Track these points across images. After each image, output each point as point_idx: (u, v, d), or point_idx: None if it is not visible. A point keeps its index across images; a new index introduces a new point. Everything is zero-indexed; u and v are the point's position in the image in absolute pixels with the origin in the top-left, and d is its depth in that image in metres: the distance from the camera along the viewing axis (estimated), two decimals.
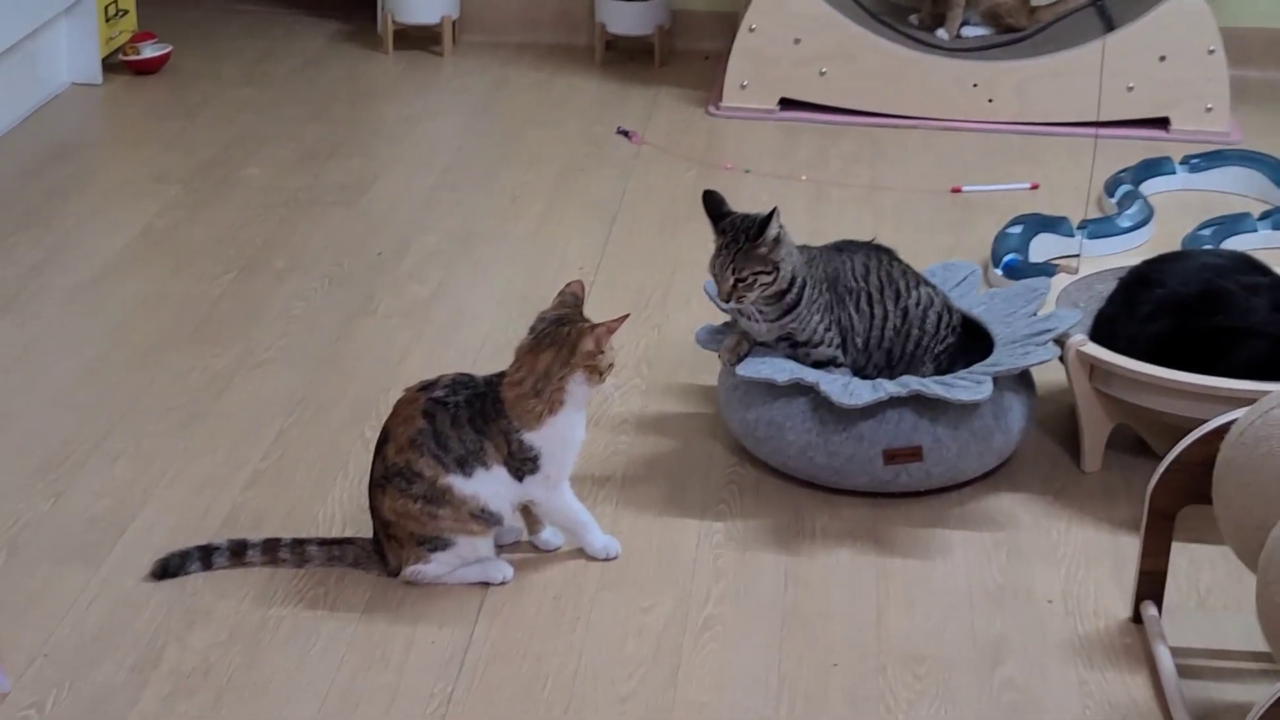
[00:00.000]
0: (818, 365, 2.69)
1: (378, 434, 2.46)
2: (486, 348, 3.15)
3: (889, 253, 2.80)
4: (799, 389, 2.65)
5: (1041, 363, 2.70)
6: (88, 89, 4.45)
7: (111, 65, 4.53)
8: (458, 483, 2.38)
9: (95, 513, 2.61)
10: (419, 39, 4.89)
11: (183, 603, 2.40)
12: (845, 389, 2.61)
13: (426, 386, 2.43)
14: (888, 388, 2.61)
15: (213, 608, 2.39)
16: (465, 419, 2.39)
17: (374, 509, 2.45)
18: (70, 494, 2.66)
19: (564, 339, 2.40)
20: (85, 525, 2.58)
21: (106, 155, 4.18)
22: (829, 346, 2.70)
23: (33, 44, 4.26)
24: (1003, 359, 2.71)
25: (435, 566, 2.42)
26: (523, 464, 2.41)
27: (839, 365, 2.71)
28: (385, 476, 2.41)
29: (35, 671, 2.25)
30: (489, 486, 2.40)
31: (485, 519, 2.41)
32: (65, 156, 4.04)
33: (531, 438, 2.40)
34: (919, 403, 2.63)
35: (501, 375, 2.44)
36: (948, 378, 2.66)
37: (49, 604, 2.39)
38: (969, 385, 2.61)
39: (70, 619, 2.36)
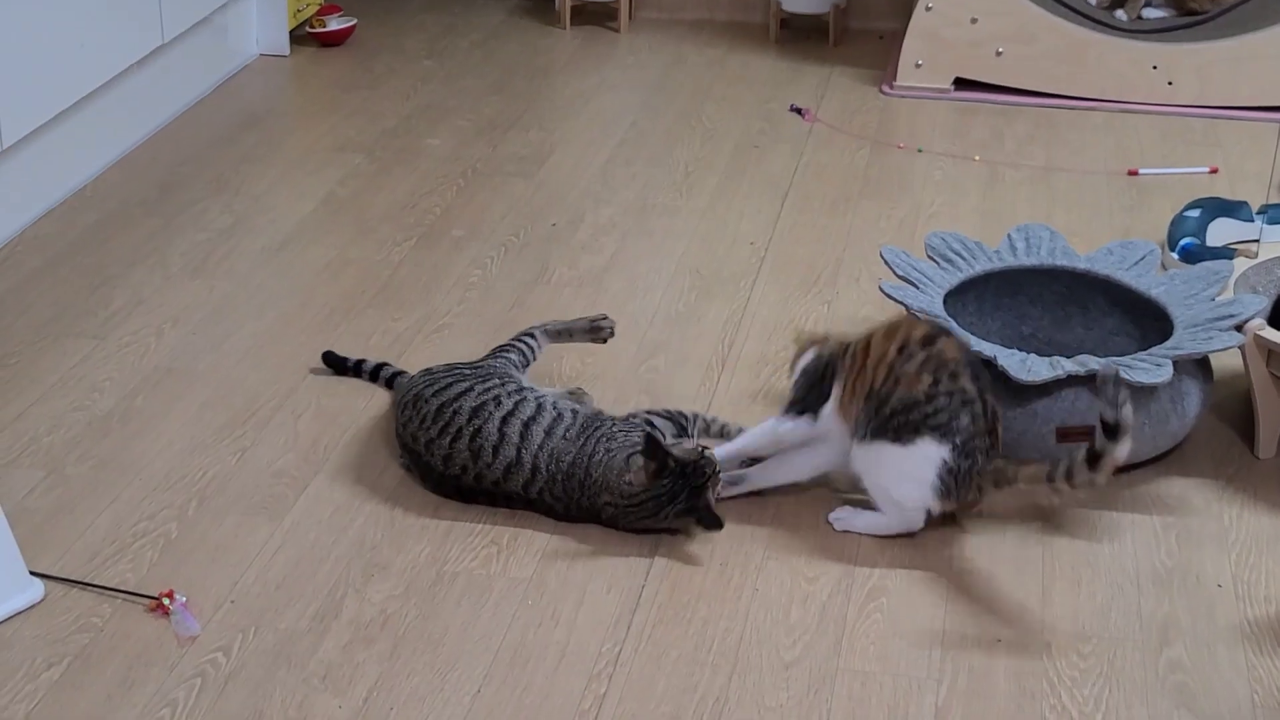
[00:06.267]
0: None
1: (974, 415, 2.46)
2: (658, 318, 3.20)
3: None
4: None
5: (1224, 349, 2.67)
6: (276, 60, 4.58)
7: (299, 37, 4.66)
8: None
9: (280, 467, 2.71)
10: (596, 15, 4.95)
11: (362, 556, 2.48)
12: (1023, 364, 2.61)
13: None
14: (1065, 365, 2.61)
15: (390, 561, 2.47)
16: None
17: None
18: (256, 449, 2.76)
19: None
20: (270, 479, 2.67)
21: (292, 124, 4.29)
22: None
23: (223, 17, 4.39)
24: (1184, 342, 2.68)
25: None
26: None
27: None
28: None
29: (222, 616, 2.35)
30: None
31: None
32: (253, 125, 4.17)
33: None
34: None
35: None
36: (1127, 358, 2.64)
37: (236, 553, 2.49)
38: (1149, 368, 2.59)
39: (255, 568, 2.46)
